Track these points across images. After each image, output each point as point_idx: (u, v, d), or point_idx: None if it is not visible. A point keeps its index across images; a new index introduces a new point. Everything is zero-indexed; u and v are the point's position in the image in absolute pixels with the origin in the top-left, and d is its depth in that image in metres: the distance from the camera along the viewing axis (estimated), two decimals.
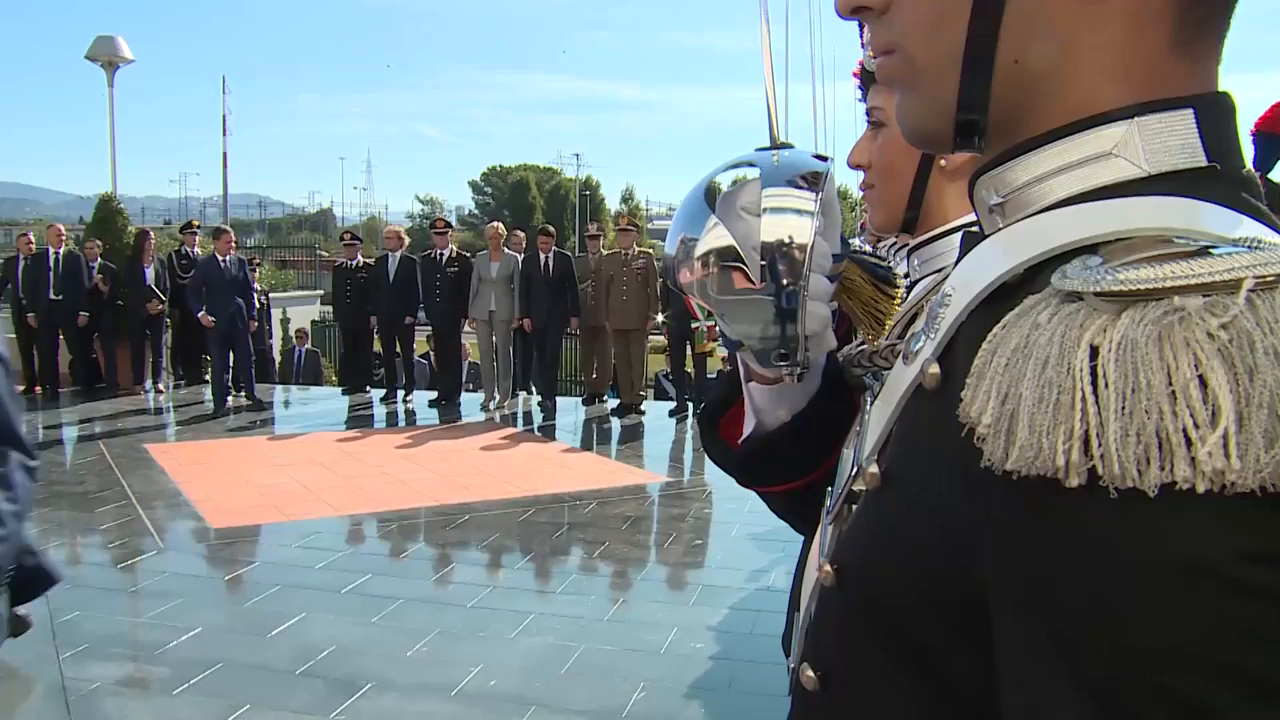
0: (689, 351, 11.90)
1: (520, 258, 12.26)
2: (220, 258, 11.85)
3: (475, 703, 4.29)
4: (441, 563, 6.25)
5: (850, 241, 1.09)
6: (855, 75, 1.50)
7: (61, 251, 12.56)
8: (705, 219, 0.92)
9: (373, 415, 11.98)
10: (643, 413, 11.87)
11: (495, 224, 12.72)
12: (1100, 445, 0.51)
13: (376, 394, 12.94)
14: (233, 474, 8.62)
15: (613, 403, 12.14)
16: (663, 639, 4.98)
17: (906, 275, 1.45)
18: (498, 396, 12.29)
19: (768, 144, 0.95)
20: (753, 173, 0.92)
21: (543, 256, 11.93)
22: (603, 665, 4.69)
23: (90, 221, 14.59)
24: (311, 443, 10.13)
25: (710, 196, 0.93)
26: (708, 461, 9.88)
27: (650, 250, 12.54)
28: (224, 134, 56.99)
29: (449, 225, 13.09)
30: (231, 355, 12.20)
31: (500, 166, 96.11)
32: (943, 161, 1.44)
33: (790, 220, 0.89)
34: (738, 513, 7.27)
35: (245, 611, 5.38)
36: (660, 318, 12.12)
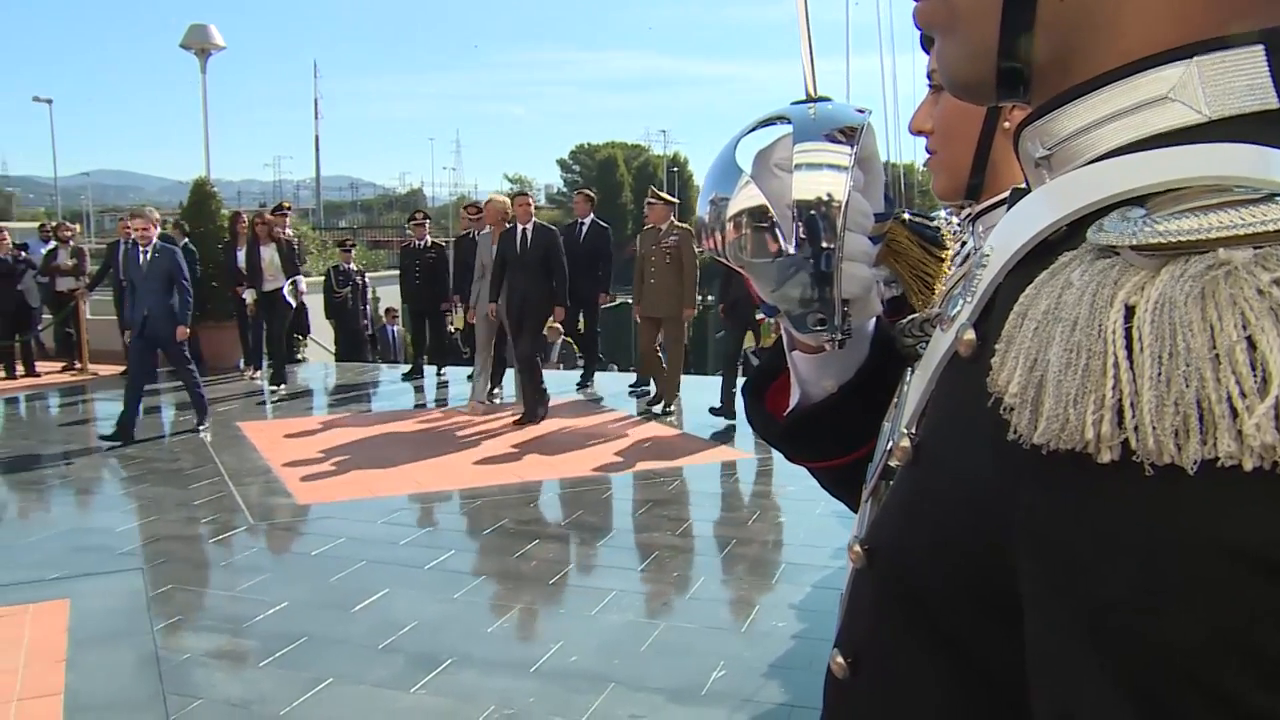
0: (753, 342, 10.94)
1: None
2: (140, 245, 9.48)
3: (554, 679, 4.29)
4: (523, 539, 6.26)
5: (936, 215, 1.03)
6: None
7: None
8: (737, 178, 0.86)
9: (458, 393, 12.02)
10: (670, 413, 10.41)
11: (496, 197, 10.72)
12: (1134, 416, 0.45)
13: (462, 372, 13.00)
14: (321, 452, 8.76)
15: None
16: (744, 617, 4.94)
17: (977, 249, 1.38)
18: (488, 397, 10.77)
19: (804, 98, 0.89)
20: (786, 128, 0.86)
21: (520, 229, 9.83)
22: (682, 643, 4.66)
23: (185, 205, 14.94)
24: (398, 421, 10.25)
25: (741, 154, 0.88)
26: None
27: (687, 226, 10.56)
28: (315, 117, 58.41)
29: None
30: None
31: (588, 144, 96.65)
32: (1006, 123, 1.36)
33: (825, 176, 0.83)
34: (822, 490, 7.18)
35: (329, 587, 5.46)
36: (694, 311, 10.62)
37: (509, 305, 9.74)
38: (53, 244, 14.01)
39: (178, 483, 7.68)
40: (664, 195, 11.09)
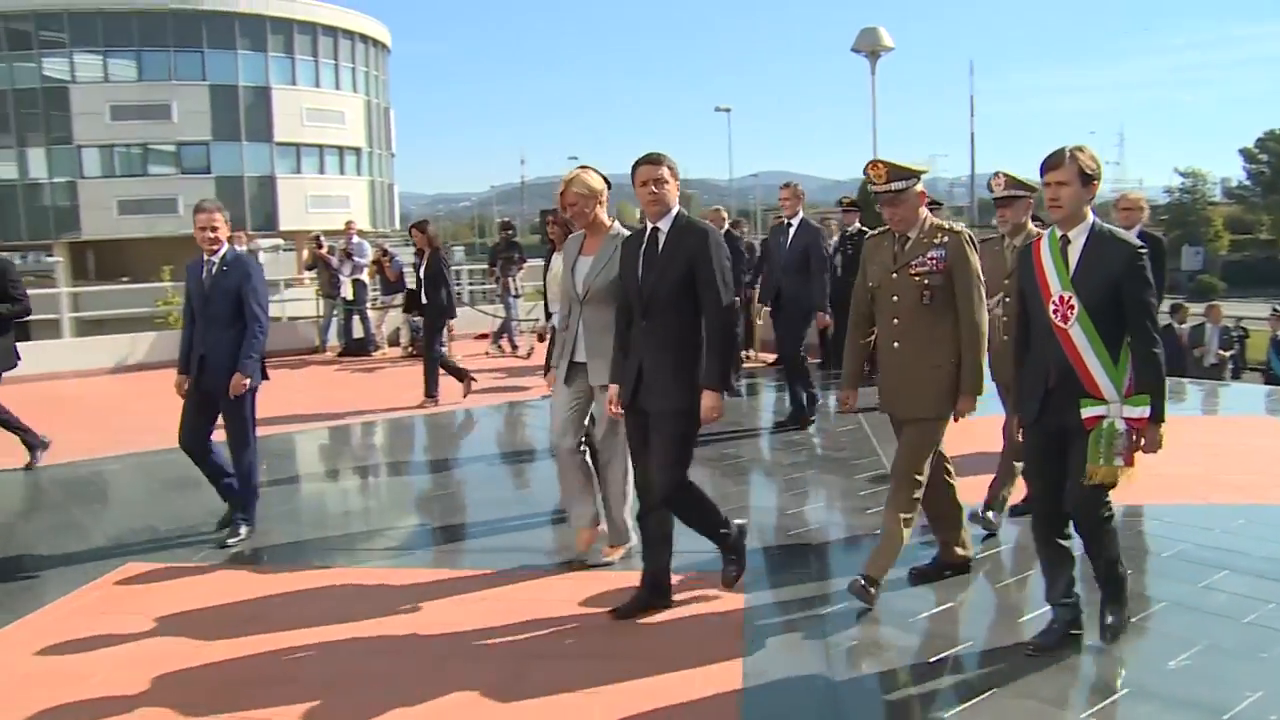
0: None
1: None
2: (205, 257, 6.51)
3: None
4: (1211, 568, 5.60)
5: None
6: None
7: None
8: None
9: None
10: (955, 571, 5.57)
11: (581, 170, 5.61)
12: None
13: None
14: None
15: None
16: None
17: None
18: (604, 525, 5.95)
19: None
20: None
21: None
22: None
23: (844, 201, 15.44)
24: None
25: None
26: None
27: (957, 231, 5.08)
28: (971, 115, 58.47)
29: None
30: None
31: (1278, 131, 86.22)
32: None
33: None
34: None
35: (996, 591, 5.33)
36: (974, 404, 5.12)
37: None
38: None
39: (842, 470, 8.01)
40: (906, 165, 5.02)
